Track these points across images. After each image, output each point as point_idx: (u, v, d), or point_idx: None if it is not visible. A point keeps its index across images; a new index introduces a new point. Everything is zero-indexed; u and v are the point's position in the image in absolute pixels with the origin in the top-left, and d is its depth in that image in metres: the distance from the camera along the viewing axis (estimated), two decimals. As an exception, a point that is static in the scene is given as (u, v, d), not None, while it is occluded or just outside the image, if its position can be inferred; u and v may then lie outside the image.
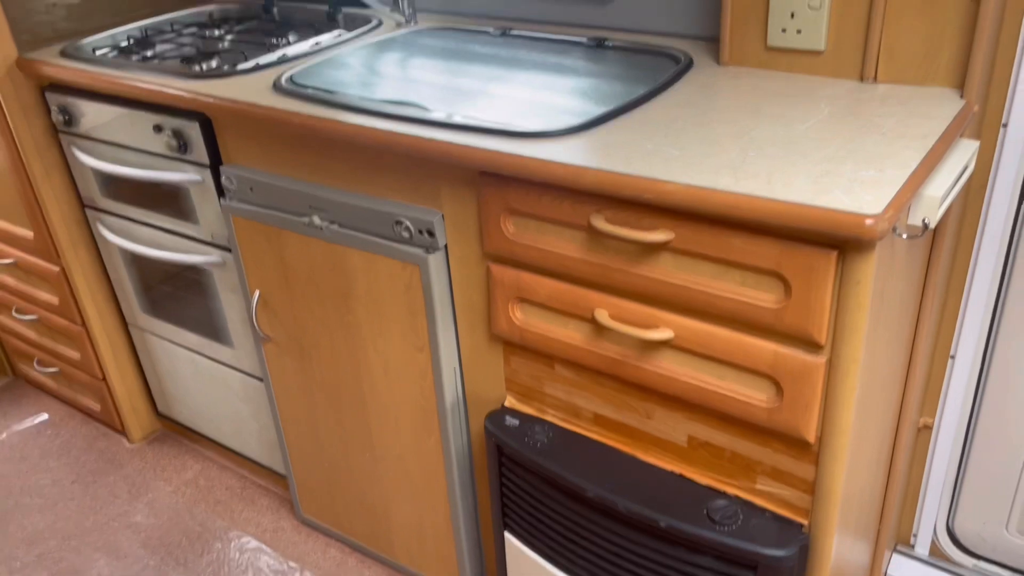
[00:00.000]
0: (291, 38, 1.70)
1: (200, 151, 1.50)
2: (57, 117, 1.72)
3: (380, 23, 1.72)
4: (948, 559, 1.57)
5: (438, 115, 1.23)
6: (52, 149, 1.79)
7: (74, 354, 2.09)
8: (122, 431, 2.18)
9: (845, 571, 1.26)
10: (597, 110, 1.18)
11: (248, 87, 1.41)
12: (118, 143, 1.65)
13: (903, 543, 1.61)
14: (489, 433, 1.30)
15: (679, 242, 1.02)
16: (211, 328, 1.77)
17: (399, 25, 1.70)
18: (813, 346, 0.99)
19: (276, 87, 1.39)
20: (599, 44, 1.48)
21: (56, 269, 1.93)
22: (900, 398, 1.35)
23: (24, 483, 2.06)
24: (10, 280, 2.13)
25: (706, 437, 1.14)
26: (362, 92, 1.37)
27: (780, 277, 0.97)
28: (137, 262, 1.84)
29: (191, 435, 2.13)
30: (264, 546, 1.84)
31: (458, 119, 1.20)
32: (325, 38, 1.66)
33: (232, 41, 1.80)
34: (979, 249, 1.30)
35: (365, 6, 1.79)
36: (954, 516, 1.54)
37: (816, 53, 1.23)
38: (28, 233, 1.93)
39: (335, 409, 1.59)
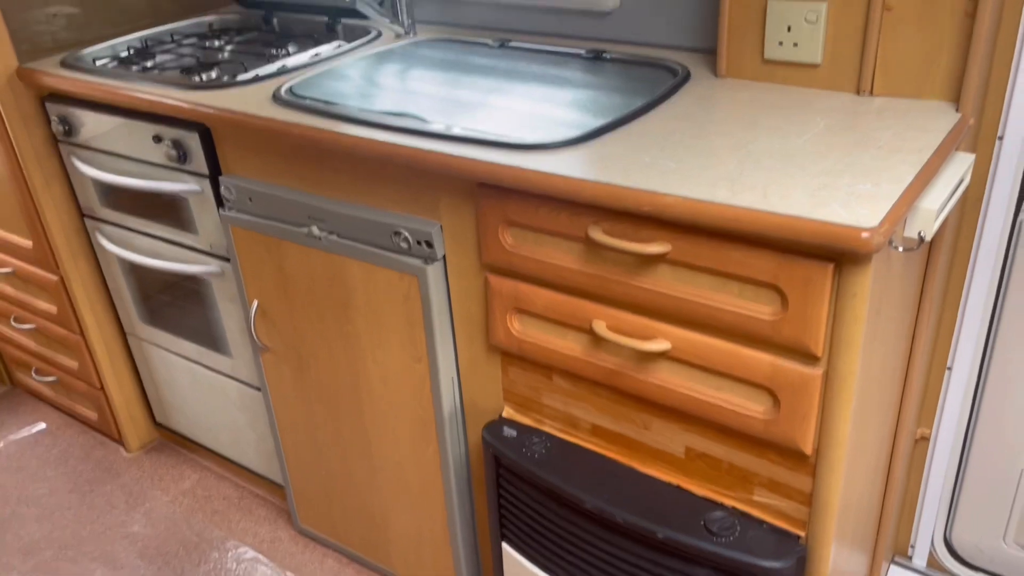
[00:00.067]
0: (291, 49, 1.70)
1: (199, 161, 1.51)
2: (57, 127, 1.72)
3: (379, 34, 1.72)
4: (945, 570, 1.57)
5: (437, 127, 1.23)
6: (52, 159, 1.80)
7: (72, 363, 2.09)
8: (119, 440, 2.18)
9: (842, 583, 1.26)
10: (595, 122, 1.19)
11: (248, 98, 1.41)
12: (118, 153, 1.65)
13: (901, 554, 1.61)
14: (487, 444, 1.30)
15: (676, 254, 1.02)
16: (209, 338, 1.77)
17: (398, 36, 1.70)
18: (810, 358, 0.99)
19: (276, 98, 1.39)
20: (597, 56, 1.49)
21: (55, 278, 1.93)
22: (897, 409, 1.36)
23: (21, 492, 2.06)
24: (9, 289, 2.13)
25: (703, 448, 1.14)
26: (361, 103, 1.38)
27: (777, 289, 0.97)
28: (136, 272, 1.84)
29: (189, 444, 2.12)
30: (261, 556, 1.83)
31: (457, 131, 1.21)
32: (324, 49, 1.66)
33: (232, 52, 1.81)
34: (975, 261, 1.31)
35: (364, 17, 1.80)
36: (951, 527, 1.54)
37: (813, 66, 1.24)
38: (27, 242, 1.93)
39: (333, 419, 1.59)
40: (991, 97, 1.19)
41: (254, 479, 2.00)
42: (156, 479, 2.07)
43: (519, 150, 1.13)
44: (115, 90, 1.54)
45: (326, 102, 1.37)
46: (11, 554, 1.89)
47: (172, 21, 1.96)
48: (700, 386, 1.09)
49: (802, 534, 1.11)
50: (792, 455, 1.07)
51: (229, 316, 1.69)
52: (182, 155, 1.52)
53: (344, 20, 1.82)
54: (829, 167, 1.01)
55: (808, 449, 1.03)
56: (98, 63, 1.72)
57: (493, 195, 1.15)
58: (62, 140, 1.77)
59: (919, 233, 0.99)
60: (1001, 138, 1.21)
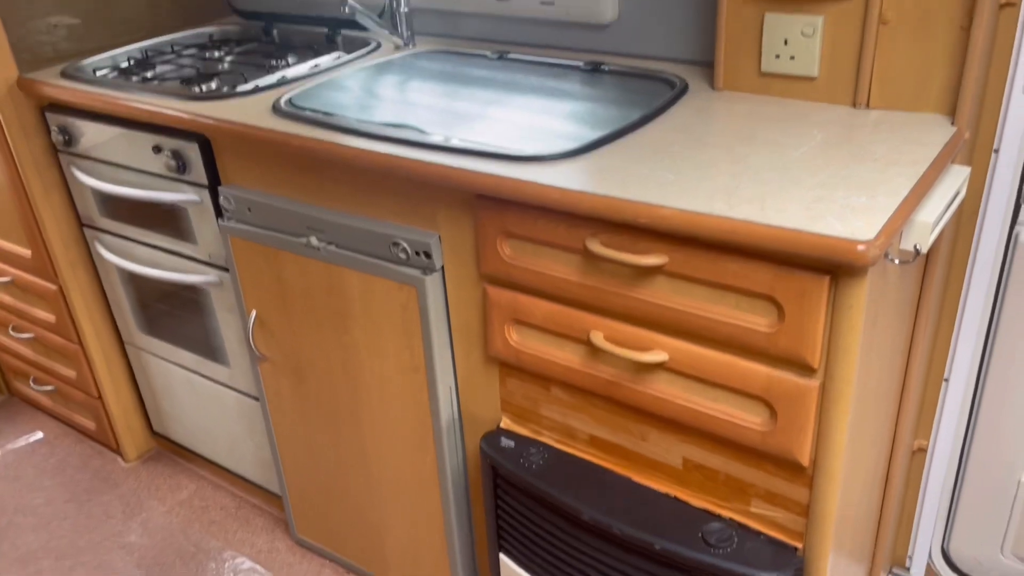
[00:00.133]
0: (290, 60, 1.71)
1: (199, 172, 1.51)
2: (57, 137, 1.73)
3: (379, 46, 1.73)
4: (943, 582, 1.57)
5: (436, 138, 1.24)
6: (51, 168, 1.80)
7: (70, 372, 2.09)
8: (117, 450, 2.17)
9: (840, 594, 1.26)
10: (593, 134, 1.19)
11: (247, 109, 1.42)
12: (117, 163, 1.66)
13: (899, 565, 1.61)
14: (484, 454, 1.30)
15: (674, 266, 1.02)
16: (207, 347, 1.77)
17: (397, 48, 1.71)
18: (806, 370, 0.99)
19: (275, 109, 1.40)
20: (595, 68, 1.50)
21: (53, 287, 1.93)
22: (894, 421, 1.36)
23: (18, 502, 2.06)
24: (7, 298, 2.13)
25: (701, 459, 1.14)
26: (360, 115, 1.38)
27: (774, 301, 0.97)
28: (134, 281, 1.84)
29: (186, 454, 2.12)
30: (258, 567, 1.83)
31: (455, 142, 1.21)
32: (324, 60, 1.67)
33: (232, 63, 1.82)
34: (971, 273, 1.31)
35: (364, 29, 1.81)
36: (949, 538, 1.54)
37: (810, 79, 1.25)
38: (26, 251, 1.94)
39: (331, 429, 1.59)
40: (986, 110, 1.19)
41: (251, 489, 2.00)
42: (153, 489, 2.07)
43: (517, 162, 1.13)
44: (115, 100, 1.54)
45: (325, 113, 1.38)
46: (8, 564, 1.88)
47: (172, 32, 1.96)
48: (697, 397, 1.09)
49: (799, 545, 1.11)
50: (789, 466, 1.07)
51: (227, 326, 1.69)
52: (181, 165, 1.53)
53: (344, 31, 1.83)
54: (825, 180, 1.01)
55: (805, 460, 1.04)
56: (98, 73, 1.73)
57: (491, 206, 1.15)
58: (62, 150, 1.77)
59: (915, 246, 1.00)
60: (997, 151, 1.21)
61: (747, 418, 1.06)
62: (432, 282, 1.27)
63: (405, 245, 1.28)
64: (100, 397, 2.06)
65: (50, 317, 2.01)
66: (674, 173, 1.06)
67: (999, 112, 1.19)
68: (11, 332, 2.19)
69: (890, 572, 1.61)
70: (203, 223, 1.58)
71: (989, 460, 1.44)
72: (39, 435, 2.28)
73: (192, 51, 1.89)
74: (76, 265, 1.90)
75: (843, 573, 1.25)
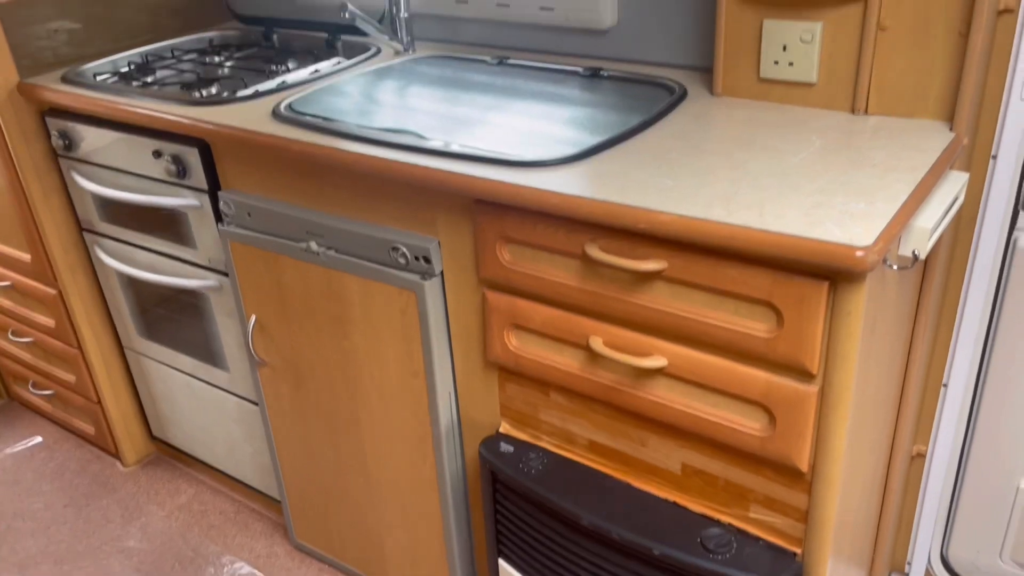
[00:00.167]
0: (290, 65, 1.71)
1: (199, 176, 1.52)
2: (57, 142, 1.73)
3: (379, 51, 1.74)
4: (942, 588, 1.57)
5: (435, 143, 1.24)
6: (51, 173, 1.81)
7: (69, 377, 2.09)
8: (116, 454, 2.17)
9: (839, 600, 1.26)
10: (592, 140, 1.20)
11: (247, 114, 1.42)
12: (117, 168, 1.66)
13: (898, 571, 1.61)
14: (483, 459, 1.30)
15: (673, 271, 1.03)
16: (207, 352, 1.77)
17: (397, 53, 1.72)
18: (805, 375, 0.99)
19: (275, 114, 1.40)
20: (595, 74, 1.50)
21: (53, 292, 1.93)
22: (893, 426, 1.36)
23: (17, 507, 2.06)
24: (7, 302, 2.13)
25: (700, 465, 1.14)
26: (360, 120, 1.38)
27: (772, 307, 0.98)
28: (134, 285, 1.84)
29: (185, 459, 2.12)
30: (257, 572, 1.83)
31: (455, 148, 1.22)
32: (324, 66, 1.68)
33: (232, 68, 1.82)
34: (970, 279, 1.31)
35: (364, 34, 1.82)
36: (948, 544, 1.54)
37: (808, 85, 1.25)
38: (25, 256, 1.94)
39: (330, 434, 1.59)
40: (985, 116, 1.20)
41: (250, 494, 2.00)
42: (152, 493, 2.07)
43: (517, 167, 1.14)
44: (115, 105, 1.55)
45: (325, 118, 1.38)
46: (6, 569, 1.88)
47: (173, 37, 1.97)
48: (696, 403, 1.09)
49: (798, 551, 1.11)
50: (788, 472, 1.07)
51: (227, 330, 1.69)
52: (181, 170, 1.53)
53: (344, 37, 1.83)
54: (824, 186, 1.01)
55: (804, 466, 1.04)
56: (99, 78, 1.73)
57: (491, 212, 1.15)
58: (62, 154, 1.77)
59: (913, 252, 1.00)
60: (995, 157, 1.22)
61: (746, 423, 1.06)
62: (431, 287, 1.28)
63: (404, 250, 1.28)
64: (99, 402, 2.06)
65: (49, 321, 2.01)
66: (673, 179, 1.06)
67: (997, 118, 1.19)
68: (10, 336, 2.19)
69: (889, 577, 1.61)
70: (203, 228, 1.58)
71: (988, 465, 1.44)
72: (38, 439, 2.28)
73: (192, 56, 1.90)
74: (76, 269, 1.90)
75: (842, 579, 1.25)
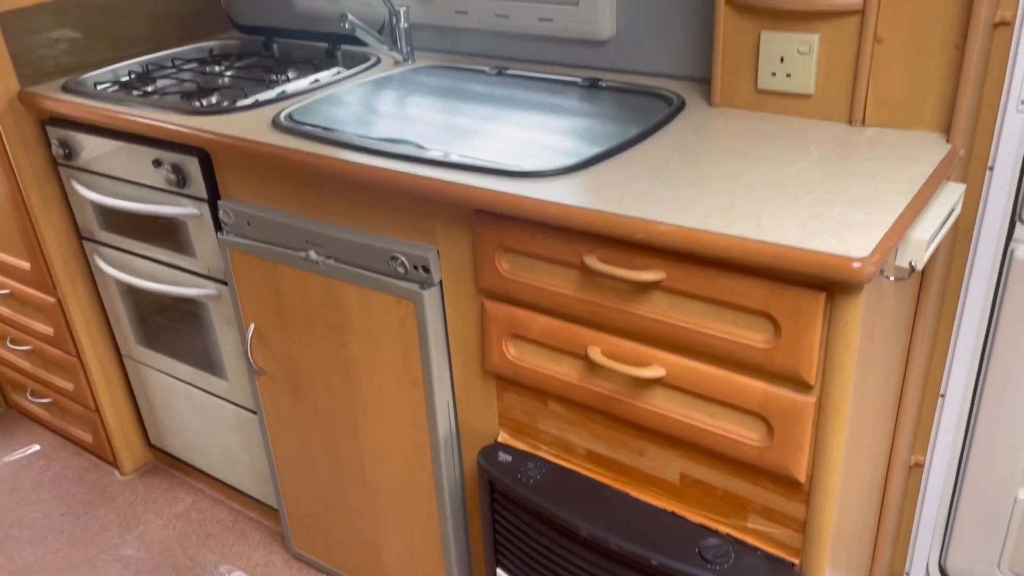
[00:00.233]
0: (290, 75, 1.72)
1: (199, 186, 1.52)
2: (57, 150, 1.74)
3: (378, 61, 1.74)
4: (941, 598, 1.57)
5: (434, 154, 1.25)
6: (51, 182, 1.81)
7: (68, 385, 2.09)
8: (114, 463, 2.17)
9: (837, 610, 1.26)
10: (591, 150, 1.20)
11: (247, 123, 1.43)
12: (117, 176, 1.66)
13: (896, 581, 1.61)
14: (482, 469, 1.30)
15: (671, 281, 1.03)
16: (205, 360, 1.78)
17: (397, 63, 1.72)
18: (803, 386, 1.00)
19: (275, 124, 1.41)
20: (593, 84, 1.51)
21: (52, 300, 1.93)
22: (891, 436, 1.36)
23: (14, 515, 2.05)
24: (6, 310, 2.13)
25: (698, 475, 1.14)
26: (360, 130, 1.39)
27: (770, 317, 0.98)
28: (133, 294, 1.85)
29: (183, 467, 2.12)
30: (255, 581, 1.83)
31: (454, 158, 1.22)
32: (324, 75, 1.68)
33: (232, 77, 1.83)
34: (967, 289, 1.32)
35: (364, 44, 1.82)
36: (946, 554, 1.54)
37: (806, 96, 1.26)
38: (25, 264, 1.94)
39: (328, 443, 1.59)
40: (981, 128, 1.20)
41: (248, 502, 1.99)
42: (150, 502, 2.07)
43: (515, 177, 1.14)
44: (115, 115, 1.55)
45: (325, 128, 1.38)
46: (3, 577, 1.88)
47: (173, 46, 1.98)
48: (694, 413, 1.09)
49: (796, 561, 1.11)
50: (786, 482, 1.07)
51: (225, 339, 1.69)
52: (181, 179, 1.53)
53: (343, 47, 1.84)
54: (821, 197, 1.02)
55: (802, 476, 1.04)
56: (99, 87, 1.74)
57: (489, 222, 1.16)
58: (62, 163, 1.78)
59: (910, 263, 1.00)
60: (991, 168, 1.22)
61: (744, 434, 1.06)
62: (430, 296, 1.28)
63: (403, 259, 1.28)
64: (97, 410, 2.06)
65: (48, 330, 2.01)
66: (671, 189, 1.07)
67: (994, 130, 1.20)
68: (9, 344, 2.19)
69: (887, 588, 1.61)
70: (202, 237, 1.59)
71: (986, 476, 1.44)
72: (36, 448, 2.28)
73: (193, 65, 1.90)
74: (75, 278, 1.90)
75: (840, 589, 1.25)
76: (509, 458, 1.29)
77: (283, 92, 1.58)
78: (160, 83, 1.79)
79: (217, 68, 1.88)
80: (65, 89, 1.71)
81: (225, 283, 1.61)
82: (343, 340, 1.43)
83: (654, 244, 1.00)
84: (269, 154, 1.33)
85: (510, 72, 1.61)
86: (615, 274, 1.05)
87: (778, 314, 0.96)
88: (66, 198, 1.84)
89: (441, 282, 1.28)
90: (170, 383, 1.92)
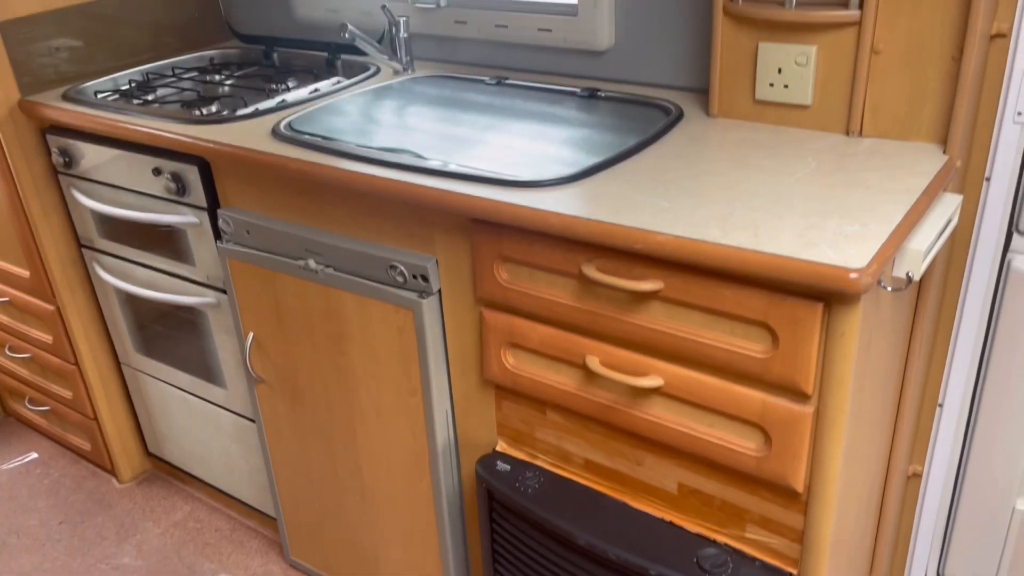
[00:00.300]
0: (290, 84, 1.73)
1: (198, 194, 1.52)
2: (57, 159, 1.74)
3: (378, 70, 1.75)
4: (939, 608, 1.56)
5: (433, 163, 1.25)
6: (51, 190, 1.81)
7: (66, 393, 2.09)
8: (112, 471, 2.17)
9: (835, 621, 1.26)
10: (589, 160, 1.20)
11: (247, 132, 1.43)
12: (117, 185, 1.67)
13: (894, 592, 1.61)
14: (480, 478, 1.30)
15: (669, 291, 1.03)
16: (204, 368, 1.78)
17: (396, 73, 1.73)
18: (800, 396, 1.00)
19: (275, 133, 1.41)
20: (592, 95, 1.51)
21: (51, 308, 1.93)
22: (889, 446, 1.36)
23: (11, 523, 2.05)
24: (5, 318, 2.13)
25: (696, 485, 1.14)
26: (359, 139, 1.39)
27: (768, 328, 0.98)
28: (132, 302, 1.85)
29: (181, 475, 2.12)
30: (252, 589, 1.82)
31: (453, 167, 1.22)
32: (324, 85, 1.69)
33: (232, 86, 1.83)
34: (965, 300, 1.32)
35: (363, 54, 1.83)
36: (944, 564, 1.54)
37: (803, 107, 1.27)
38: (24, 272, 1.94)
39: (327, 452, 1.59)
40: (978, 139, 1.21)
41: (246, 511, 1.99)
42: (148, 510, 2.06)
43: (514, 187, 1.14)
44: (116, 123, 1.56)
45: (324, 137, 1.39)
46: (0, 586, 1.87)
47: (174, 55, 1.98)
48: (692, 422, 1.09)
49: (795, 572, 1.11)
50: (784, 492, 1.07)
51: (224, 347, 1.69)
52: (181, 188, 1.54)
53: (343, 56, 1.85)
54: (818, 207, 1.02)
55: (800, 486, 1.04)
56: (100, 96, 1.74)
57: (488, 231, 1.16)
58: (62, 171, 1.78)
59: (907, 273, 1.01)
60: (988, 179, 1.23)
61: (742, 444, 1.06)
62: (429, 305, 1.28)
63: (402, 268, 1.29)
64: (96, 418, 2.06)
65: (47, 337, 2.01)
66: (669, 200, 1.07)
67: (990, 141, 1.20)
68: (8, 352, 2.19)
69: (886, 598, 1.61)
70: (202, 245, 1.59)
71: (984, 486, 1.44)
72: (34, 456, 2.28)
73: (193, 74, 1.91)
74: (74, 285, 1.91)
75: (838, 599, 1.25)
76: (507, 467, 1.29)
77: (283, 101, 1.59)
78: (160, 92, 1.80)
79: (217, 77, 1.89)
80: (65, 98, 1.72)
81: (224, 291, 1.61)
82: (342, 349, 1.43)
83: (652, 254, 1.01)
84: (269, 163, 1.33)
85: (509, 82, 1.62)
86: (613, 284, 1.05)
87: (776, 324, 0.97)
88: (66, 206, 1.84)
89: (440, 291, 1.28)
90: (168, 391, 1.92)
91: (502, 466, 1.30)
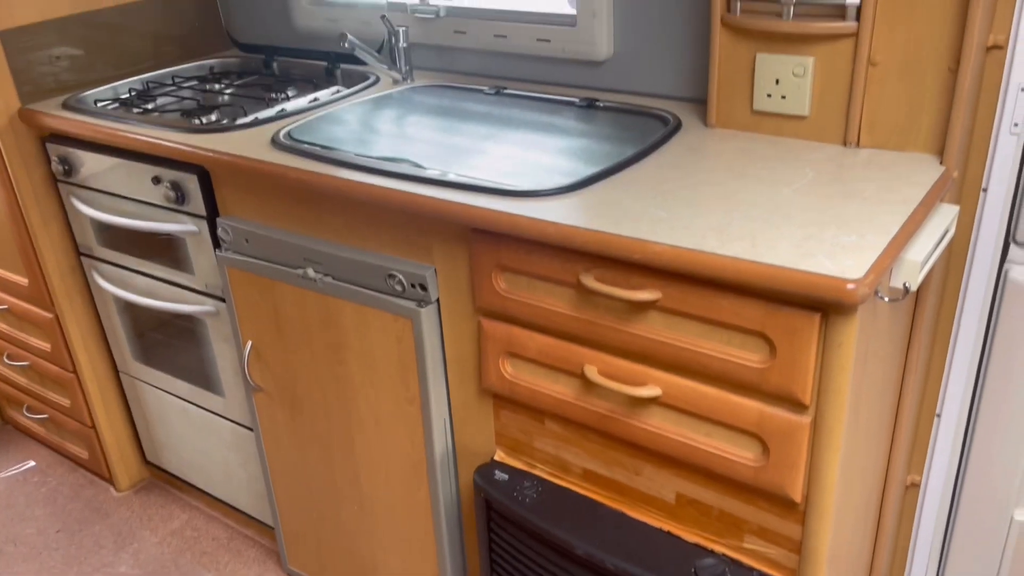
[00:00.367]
0: (290, 93, 1.73)
1: (197, 203, 1.53)
2: (57, 167, 1.74)
3: (377, 80, 1.76)
4: (937, 619, 1.56)
5: (432, 172, 1.25)
6: (51, 198, 1.82)
7: (64, 401, 2.09)
8: (109, 479, 2.16)
9: (833, 631, 1.26)
10: (587, 170, 1.21)
11: (247, 141, 1.44)
12: (116, 193, 1.67)
13: (892, 602, 1.60)
14: (478, 487, 1.30)
15: (667, 301, 1.03)
16: (202, 377, 1.77)
17: (396, 82, 1.74)
18: (798, 406, 1.00)
19: (274, 142, 1.42)
20: (591, 104, 1.52)
21: (49, 316, 1.93)
22: (887, 457, 1.36)
23: (9, 532, 2.04)
24: (3, 326, 2.13)
25: (694, 494, 1.14)
26: (358, 148, 1.40)
27: (765, 338, 0.98)
28: (130, 310, 1.85)
29: (179, 484, 2.11)
30: (249, 599, 1.82)
31: (452, 177, 1.23)
32: (323, 94, 1.69)
33: (232, 95, 1.84)
34: (962, 310, 1.32)
35: (363, 63, 1.84)
36: (943, 574, 1.54)
37: (800, 118, 1.27)
38: (23, 280, 1.94)
39: (325, 460, 1.58)
40: (975, 150, 1.21)
41: (244, 520, 1.99)
42: (145, 519, 2.06)
43: (513, 197, 1.15)
44: (115, 132, 1.56)
45: (324, 147, 1.39)
46: (-4, 595, 1.87)
47: (173, 64, 1.99)
48: (690, 432, 1.09)
49: (792, 582, 1.11)
50: (781, 502, 1.07)
51: (223, 356, 1.69)
52: (180, 196, 1.54)
53: (343, 65, 1.85)
54: (816, 218, 1.03)
55: (797, 496, 1.04)
56: (100, 104, 1.75)
57: (487, 240, 1.16)
58: (61, 180, 1.79)
59: (904, 284, 1.01)
60: (985, 190, 1.23)
61: (740, 453, 1.06)
62: (427, 314, 1.28)
63: (401, 277, 1.29)
64: (93, 426, 2.06)
65: (45, 345, 2.01)
66: (667, 210, 1.07)
67: (987, 152, 1.21)
68: (6, 360, 2.18)
69: (884, 608, 1.60)
70: (201, 253, 1.59)
71: (982, 496, 1.44)
72: (31, 464, 2.27)
73: (193, 83, 1.92)
74: (73, 294, 1.91)
75: (836, 609, 1.24)
76: (505, 476, 1.29)
77: (282, 110, 1.59)
78: (160, 101, 1.80)
79: (217, 86, 1.89)
80: (65, 106, 1.72)
81: (223, 300, 1.62)
82: (340, 357, 1.43)
83: (650, 264, 1.01)
84: (268, 172, 1.34)
85: (508, 92, 1.62)
86: (611, 293, 1.06)
87: (773, 334, 0.97)
88: (65, 214, 1.84)
89: (438, 300, 1.28)
90: (167, 399, 1.92)
91: (500, 475, 1.30)
